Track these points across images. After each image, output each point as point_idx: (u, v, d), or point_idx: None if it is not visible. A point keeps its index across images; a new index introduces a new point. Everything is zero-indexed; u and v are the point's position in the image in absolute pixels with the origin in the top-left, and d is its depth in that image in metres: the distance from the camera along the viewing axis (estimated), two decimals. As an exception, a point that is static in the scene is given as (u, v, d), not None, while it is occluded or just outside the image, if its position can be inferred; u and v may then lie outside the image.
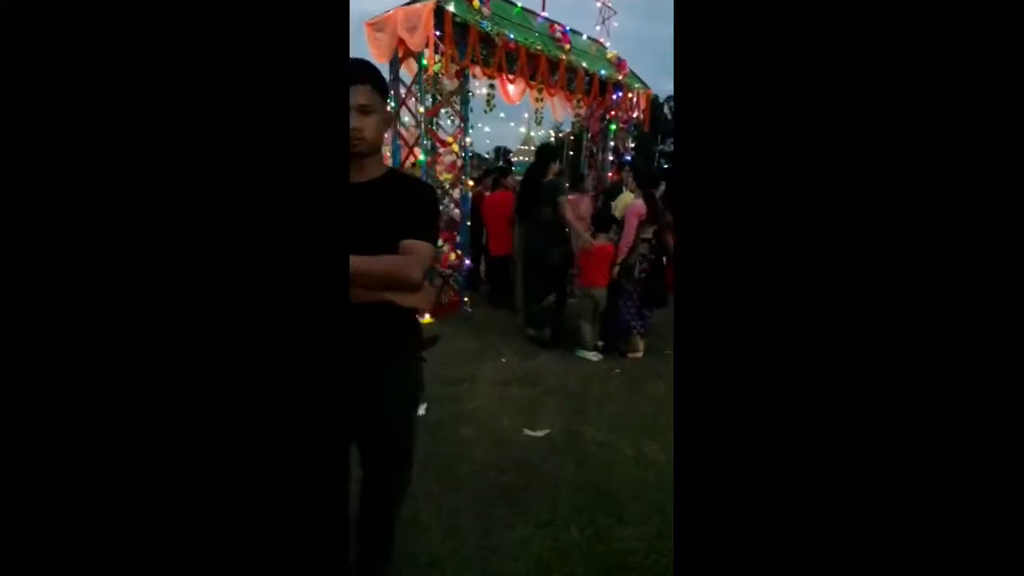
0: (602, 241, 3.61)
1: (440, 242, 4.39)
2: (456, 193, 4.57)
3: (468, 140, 4.58)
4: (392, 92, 4.56)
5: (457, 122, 4.49)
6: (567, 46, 5.17)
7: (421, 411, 2.44)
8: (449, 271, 4.50)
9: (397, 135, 4.62)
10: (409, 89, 4.48)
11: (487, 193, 5.10)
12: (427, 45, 3.96)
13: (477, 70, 4.74)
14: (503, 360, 3.49)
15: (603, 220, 3.87)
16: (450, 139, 4.36)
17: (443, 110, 4.33)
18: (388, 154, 9.49)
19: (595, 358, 3.57)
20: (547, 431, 2.52)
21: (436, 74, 4.13)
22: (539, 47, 4.81)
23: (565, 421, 2.64)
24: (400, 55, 4.40)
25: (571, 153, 6.58)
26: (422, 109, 4.19)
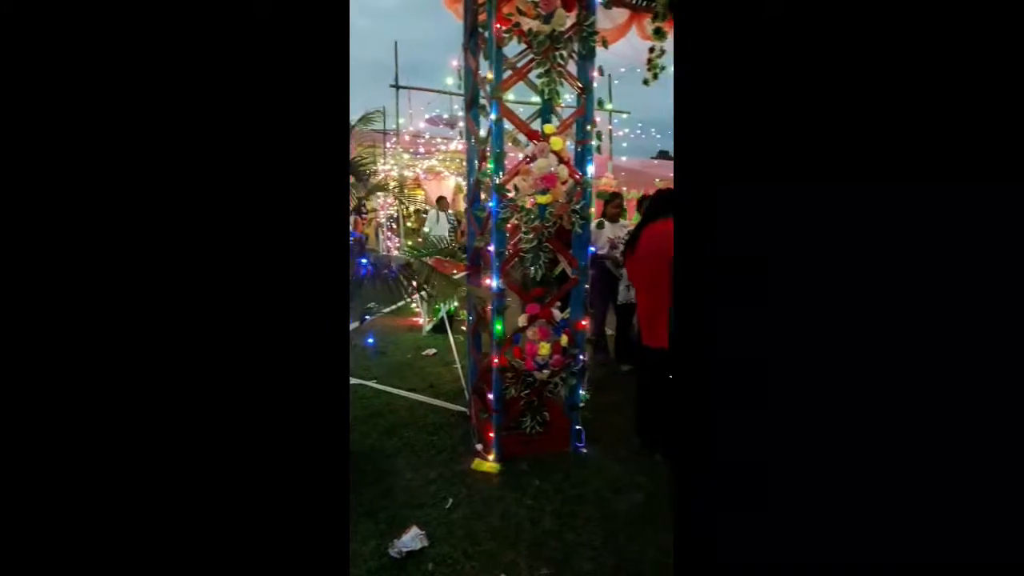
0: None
1: (522, 321, 2.33)
2: (577, 226, 2.41)
3: (593, 126, 2.40)
4: (462, 60, 2.73)
5: (574, 96, 2.38)
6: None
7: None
8: (546, 375, 2.38)
9: (468, 132, 2.74)
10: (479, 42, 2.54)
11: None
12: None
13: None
14: None
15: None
16: (549, 129, 2.27)
17: (537, 74, 2.26)
18: (450, 171, 7.34)
19: None
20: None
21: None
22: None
23: None
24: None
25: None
26: (489, 75, 2.23)
